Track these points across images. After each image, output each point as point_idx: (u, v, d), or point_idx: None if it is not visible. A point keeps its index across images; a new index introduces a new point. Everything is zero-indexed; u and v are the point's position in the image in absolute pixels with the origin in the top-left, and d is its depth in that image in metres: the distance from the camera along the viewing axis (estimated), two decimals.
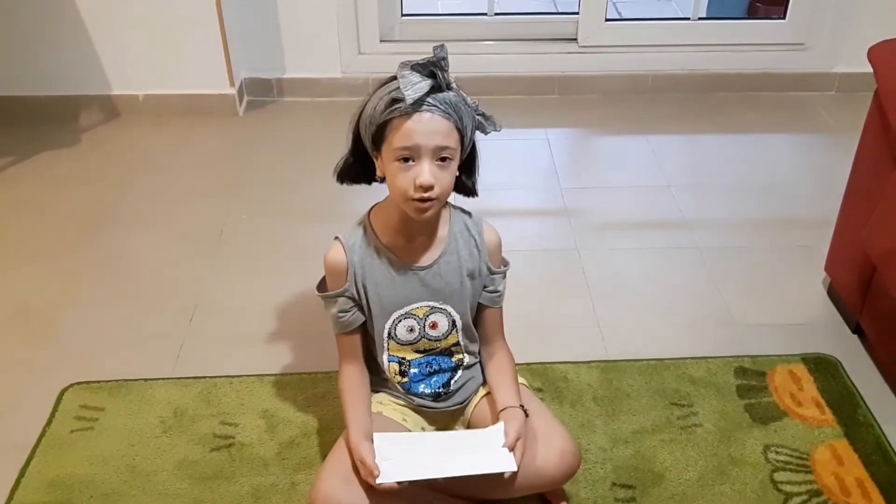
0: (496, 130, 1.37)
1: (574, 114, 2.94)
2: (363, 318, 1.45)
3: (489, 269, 1.46)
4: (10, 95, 2.80)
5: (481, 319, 1.51)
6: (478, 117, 1.34)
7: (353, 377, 1.47)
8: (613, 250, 2.24)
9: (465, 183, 1.43)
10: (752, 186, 2.52)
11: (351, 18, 2.87)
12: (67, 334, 1.93)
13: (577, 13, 2.95)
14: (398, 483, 1.30)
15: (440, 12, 3.99)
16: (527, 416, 1.41)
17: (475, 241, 1.44)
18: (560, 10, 4.15)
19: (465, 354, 1.50)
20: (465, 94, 1.32)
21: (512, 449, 1.35)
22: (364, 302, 1.43)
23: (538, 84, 3.01)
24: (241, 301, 2.05)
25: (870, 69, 1.73)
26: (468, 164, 1.40)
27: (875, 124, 1.77)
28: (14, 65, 2.76)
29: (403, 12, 3.01)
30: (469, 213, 1.47)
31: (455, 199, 1.45)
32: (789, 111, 2.95)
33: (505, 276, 1.50)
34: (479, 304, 1.49)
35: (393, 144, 1.28)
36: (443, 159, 1.29)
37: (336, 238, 1.44)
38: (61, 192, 2.47)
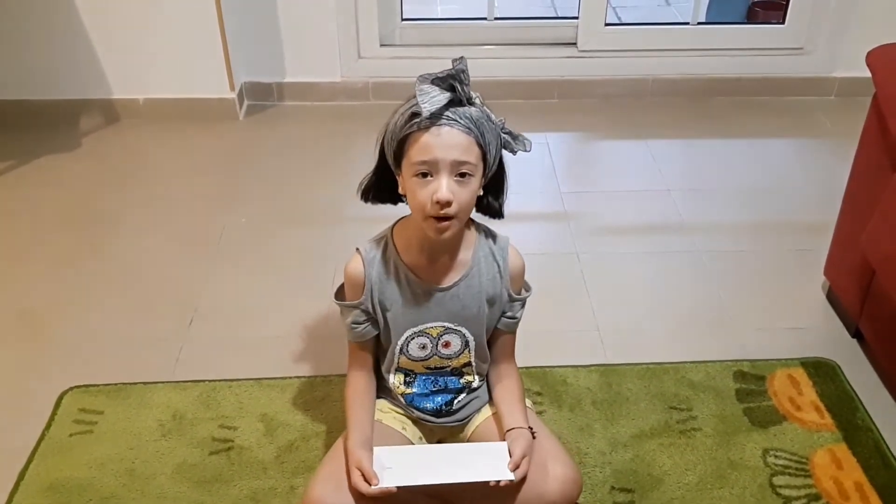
0: (525, 151, 1.34)
1: (573, 118, 2.95)
2: (376, 332, 1.44)
3: (510, 295, 1.43)
4: (10, 99, 2.81)
5: (494, 341, 1.49)
6: (504, 136, 1.31)
7: (361, 384, 1.46)
8: (613, 254, 2.24)
9: (492, 204, 1.39)
10: (752, 191, 2.53)
11: (351, 23, 2.88)
12: (66, 338, 1.93)
13: (577, 18, 2.96)
14: (397, 488, 1.30)
15: (440, 17, 4.01)
16: (534, 437, 1.39)
17: (498, 266, 1.41)
18: (560, 15, 4.17)
19: (476, 376, 1.48)
20: (489, 111, 1.29)
21: (516, 467, 1.32)
22: (379, 317, 1.42)
23: (538, 88, 3.02)
24: (241, 305, 2.05)
25: (869, 74, 1.74)
26: (495, 185, 1.37)
27: (873, 128, 1.77)
28: (15, 69, 2.77)
29: (403, 17, 3.02)
30: (495, 236, 1.43)
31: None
32: (788, 116, 2.95)
33: (524, 304, 1.47)
34: (496, 329, 1.47)
35: (411, 159, 1.26)
36: (462, 175, 1.25)
37: (357, 250, 1.42)
38: (62, 196, 2.47)
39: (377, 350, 1.49)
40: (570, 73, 3.01)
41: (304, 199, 2.46)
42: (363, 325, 1.42)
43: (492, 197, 1.39)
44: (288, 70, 2.96)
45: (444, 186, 1.24)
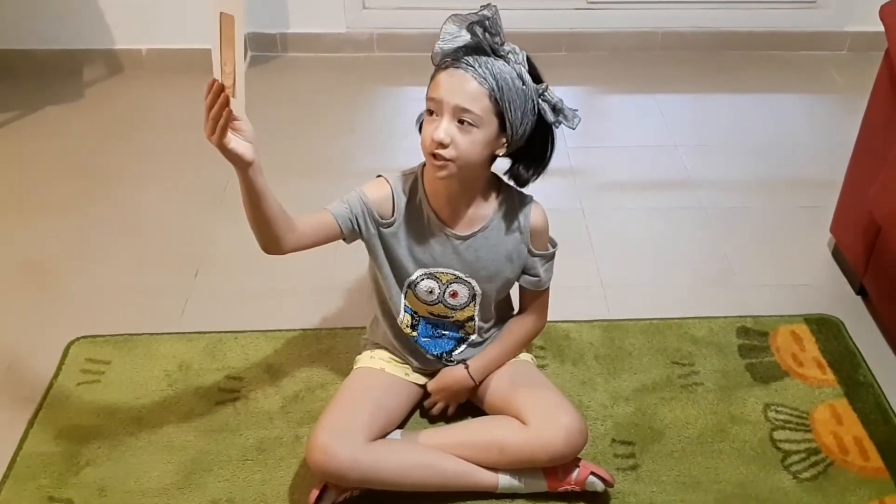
0: (569, 127, 1.29)
1: (582, 72, 2.91)
2: (344, 235, 1.36)
3: (530, 251, 1.44)
4: (13, 49, 2.79)
5: (523, 299, 1.53)
6: (541, 103, 1.28)
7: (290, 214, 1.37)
8: (618, 210, 2.23)
9: (521, 173, 1.35)
10: (760, 146, 2.50)
11: None
12: (73, 288, 1.94)
13: None
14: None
15: None
16: (467, 369, 1.49)
17: (519, 222, 1.41)
18: None
19: (476, 333, 1.51)
20: (524, 72, 1.25)
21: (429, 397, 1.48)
22: (392, 247, 1.40)
23: (546, 41, 2.98)
24: (246, 257, 2.05)
25: (881, 28, 1.71)
26: (533, 156, 1.34)
27: (884, 84, 1.75)
28: (17, 18, 2.74)
29: None
30: (521, 193, 1.42)
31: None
32: (799, 71, 2.91)
33: (549, 260, 1.47)
34: (521, 287, 1.50)
35: (427, 94, 1.28)
36: (463, 122, 1.24)
37: (381, 176, 1.39)
38: (66, 147, 2.46)
39: (380, 301, 1.50)
40: (578, 26, 2.97)
41: (308, 151, 2.45)
42: (348, 216, 1.35)
43: (523, 166, 1.35)
44: (292, 21, 2.92)
45: (442, 127, 1.25)
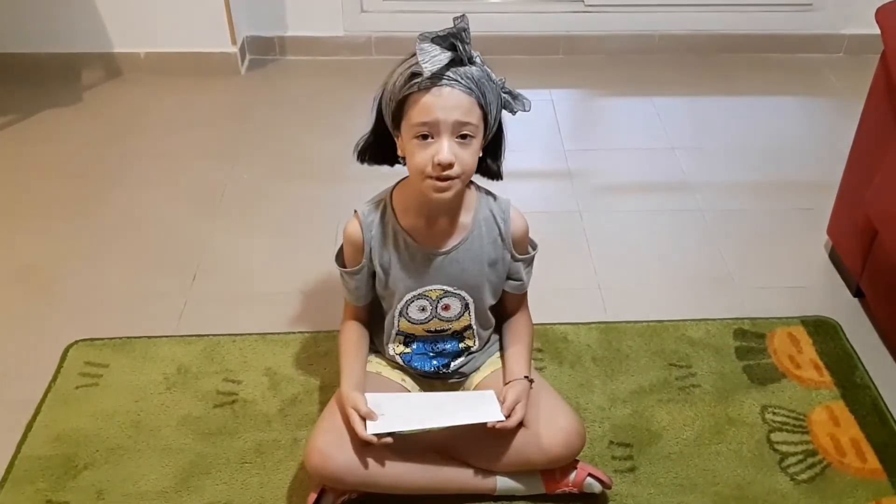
0: (524, 111, 1.32)
1: (579, 74, 2.92)
2: (373, 296, 1.45)
3: (513, 256, 1.44)
4: (11, 53, 2.79)
5: (505, 301, 1.50)
6: (504, 95, 1.30)
7: (355, 333, 1.48)
8: (615, 212, 2.23)
9: (490, 167, 1.38)
10: (757, 149, 2.51)
11: None
12: (71, 292, 1.95)
13: None
14: (388, 434, 1.31)
15: None
16: (531, 383, 1.41)
17: (500, 228, 1.40)
18: None
19: (476, 340, 1.49)
20: (489, 70, 1.27)
21: (510, 412, 1.35)
22: (380, 275, 1.42)
23: (543, 44, 2.99)
24: (244, 260, 2.06)
25: (878, 31, 1.71)
26: (494, 146, 1.36)
27: (881, 87, 1.75)
28: (15, 21, 2.74)
29: None
30: (495, 197, 1.42)
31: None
32: (796, 73, 2.92)
33: (530, 263, 1.47)
34: (504, 292, 1.48)
35: (411, 120, 1.24)
36: (463, 136, 1.24)
37: (355, 212, 1.41)
38: (64, 151, 2.47)
39: (373, 317, 1.50)
40: (576, 29, 2.98)
41: (307, 154, 2.45)
42: (364, 288, 1.44)
43: (490, 159, 1.37)
44: (290, 24, 2.93)
45: (445, 148, 1.23)
